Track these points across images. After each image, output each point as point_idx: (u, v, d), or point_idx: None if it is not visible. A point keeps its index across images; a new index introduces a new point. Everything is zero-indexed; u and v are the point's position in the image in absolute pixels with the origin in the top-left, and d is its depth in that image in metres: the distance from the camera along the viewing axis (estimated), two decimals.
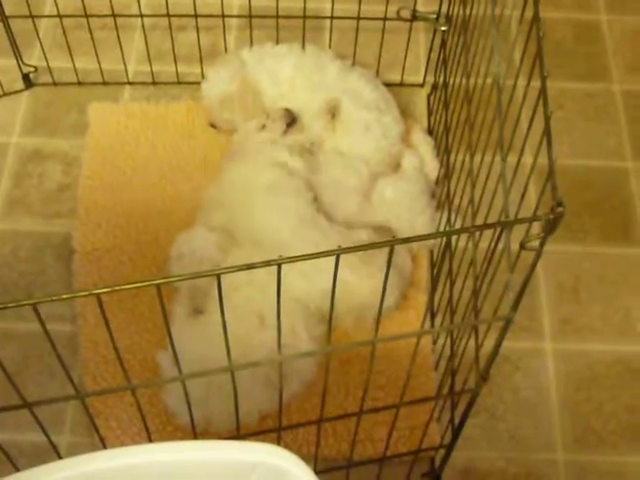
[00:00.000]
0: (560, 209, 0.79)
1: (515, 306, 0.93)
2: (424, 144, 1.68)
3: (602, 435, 1.42)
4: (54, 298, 0.73)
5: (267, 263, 0.77)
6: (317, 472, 1.27)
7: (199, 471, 0.73)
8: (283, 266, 0.78)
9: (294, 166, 1.51)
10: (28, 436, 1.35)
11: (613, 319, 1.53)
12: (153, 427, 1.38)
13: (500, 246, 0.98)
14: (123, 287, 0.75)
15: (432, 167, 1.64)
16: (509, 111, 1.09)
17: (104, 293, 0.75)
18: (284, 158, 1.52)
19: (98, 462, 0.72)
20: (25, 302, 0.74)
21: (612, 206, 1.66)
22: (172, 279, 0.77)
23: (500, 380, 1.46)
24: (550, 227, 0.82)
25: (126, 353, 1.44)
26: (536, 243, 0.85)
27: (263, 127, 1.60)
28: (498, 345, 0.99)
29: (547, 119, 0.83)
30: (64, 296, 0.74)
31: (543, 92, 0.86)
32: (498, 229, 0.93)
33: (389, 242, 0.79)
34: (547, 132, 0.84)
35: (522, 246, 0.86)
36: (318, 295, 1.37)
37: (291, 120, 1.60)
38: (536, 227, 0.87)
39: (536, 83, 0.92)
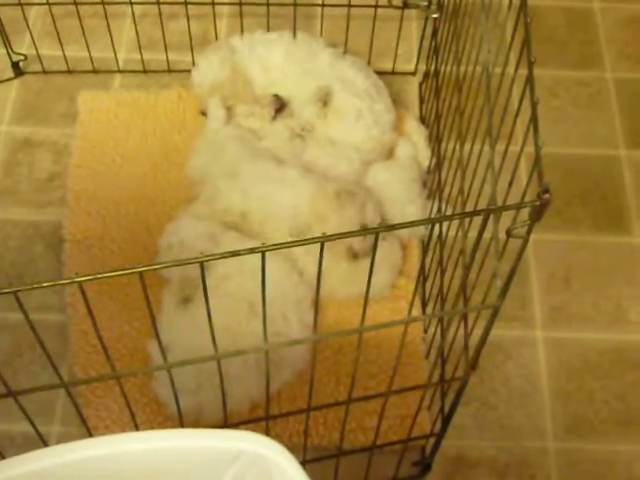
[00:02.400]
0: (546, 196, 0.78)
1: (503, 294, 0.93)
2: (417, 133, 1.67)
3: (593, 423, 1.42)
4: (35, 286, 0.72)
5: (252, 250, 0.76)
6: (307, 461, 1.28)
7: (181, 459, 0.73)
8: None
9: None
10: (19, 426, 1.35)
11: (605, 307, 1.53)
12: (144, 417, 1.38)
13: (489, 235, 0.97)
14: (106, 275, 0.74)
15: (424, 156, 1.64)
16: (499, 99, 1.08)
17: (87, 281, 0.74)
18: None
19: (75, 452, 0.71)
20: (6, 290, 0.73)
21: (604, 195, 1.66)
22: (156, 267, 0.76)
23: (491, 369, 1.46)
24: (537, 214, 0.81)
25: (117, 343, 1.44)
26: (523, 230, 0.84)
27: (252, 114, 1.60)
28: (486, 332, 0.99)
29: (534, 105, 0.83)
30: (45, 284, 0.73)
31: (530, 78, 0.85)
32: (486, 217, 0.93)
33: (376, 229, 0.79)
34: (534, 118, 0.83)
35: (509, 233, 0.85)
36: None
37: (280, 106, 1.59)
38: (525, 214, 0.87)
39: (526, 70, 0.91)
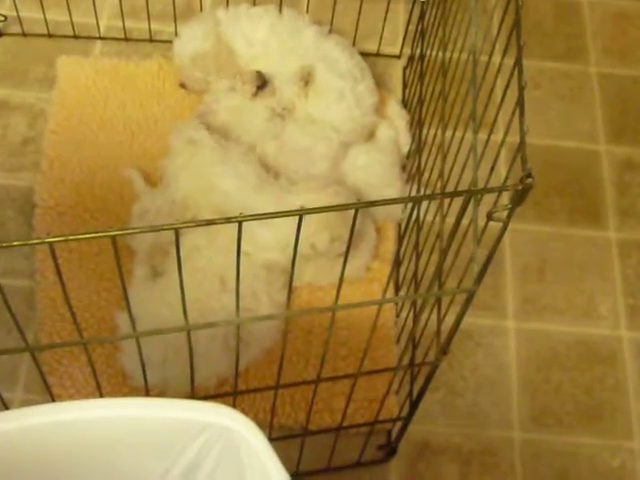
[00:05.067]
0: (529, 180, 0.77)
1: (479, 279, 0.92)
2: (399, 117, 1.66)
3: (559, 415, 1.42)
4: (4, 245, 0.70)
5: (227, 220, 0.75)
6: (272, 439, 1.27)
7: (145, 429, 0.72)
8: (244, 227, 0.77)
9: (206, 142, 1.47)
10: None
11: (577, 301, 1.53)
12: (109, 388, 1.36)
13: (467, 221, 0.96)
14: (78, 237, 0.73)
15: (404, 141, 1.63)
16: (484, 84, 1.07)
17: (57, 242, 0.72)
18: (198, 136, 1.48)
19: (36, 417, 0.70)
20: None
21: (582, 188, 1.66)
22: (129, 231, 0.75)
23: (461, 357, 1.46)
24: (518, 198, 0.80)
25: (85, 312, 1.42)
26: (503, 214, 0.84)
27: (233, 89, 1.58)
28: (460, 317, 0.98)
29: (521, 89, 0.82)
30: (15, 243, 0.71)
31: (519, 61, 0.84)
32: (466, 200, 0.92)
33: (353, 205, 0.78)
34: (520, 102, 0.82)
35: (489, 216, 0.84)
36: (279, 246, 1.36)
37: (262, 83, 1.57)
38: (505, 200, 0.86)
39: (511, 60, 0.90)
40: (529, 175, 0.78)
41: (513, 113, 0.87)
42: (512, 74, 0.91)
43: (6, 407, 1.04)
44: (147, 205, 1.45)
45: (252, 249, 1.37)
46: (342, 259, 0.88)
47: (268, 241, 1.36)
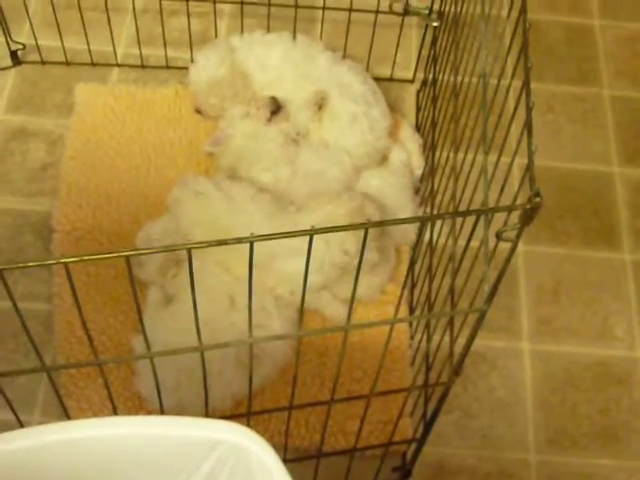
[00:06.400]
0: (537, 199, 0.78)
1: (489, 299, 0.93)
2: (412, 141, 1.67)
3: (575, 437, 1.42)
4: (20, 265, 0.72)
5: (239, 240, 0.76)
6: (287, 461, 1.27)
7: (158, 447, 0.72)
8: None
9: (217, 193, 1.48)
10: None
11: (592, 322, 1.53)
12: (125, 411, 1.37)
13: (479, 242, 0.97)
14: (90, 257, 0.74)
15: (417, 165, 1.64)
16: (494, 107, 1.08)
17: (72, 262, 0.73)
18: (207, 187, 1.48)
19: (50, 435, 0.71)
20: None
21: (596, 210, 1.66)
22: (142, 251, 0.76)
23: (476, 378, 1.46)
24: (527, 217, 0.81)
25: (101, 335, 1.44)
26: (512, 234, 0.84)
27: (248, 114, 1.60)
28: (472, 336, 0.98)
29: (528, 109, 0.83)
30: (30, 263, 0.72)
31: (526, 82, 0.86)
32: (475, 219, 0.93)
33: (363, 225, 0.79)
34: (527, 122, 0.83)
35: (498, 236, 0.85)
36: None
37: (276, 108, 1.59)
38: (516, 220, 0.87)
39: (521, 82, 0.92)
40: (537, 194, 0.78)
41: (522, 134, 0.88)
42: (521, 95, 0.92)
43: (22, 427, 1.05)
44: (151, 233, 1.46)
45: (280, 283, 1.38)
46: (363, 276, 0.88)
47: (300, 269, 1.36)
